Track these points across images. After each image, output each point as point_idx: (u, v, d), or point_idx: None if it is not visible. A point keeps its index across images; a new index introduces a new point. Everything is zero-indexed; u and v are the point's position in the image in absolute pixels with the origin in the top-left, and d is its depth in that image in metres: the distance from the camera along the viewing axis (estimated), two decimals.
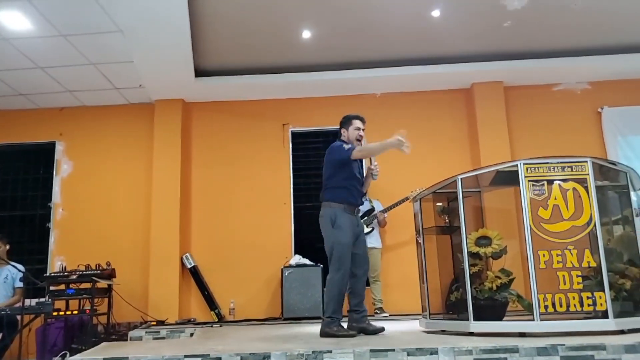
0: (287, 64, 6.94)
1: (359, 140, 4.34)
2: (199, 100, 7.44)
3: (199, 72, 6.89)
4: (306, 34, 6.35)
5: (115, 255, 6.54)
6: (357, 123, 4.40)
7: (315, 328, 4.78)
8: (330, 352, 2.72)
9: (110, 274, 6.13)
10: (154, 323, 6.24)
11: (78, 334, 5.84)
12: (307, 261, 6.57)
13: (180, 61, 6.35)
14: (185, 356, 2.76)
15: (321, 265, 6.41)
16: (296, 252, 6.87)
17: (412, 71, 6.93)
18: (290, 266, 6.49)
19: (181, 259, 6.84)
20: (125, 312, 6.40)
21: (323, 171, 4.34)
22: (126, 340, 5.21)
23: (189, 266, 6.84)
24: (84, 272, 5.90)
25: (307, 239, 6.98)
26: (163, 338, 5.16)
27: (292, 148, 7.36)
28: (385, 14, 6.03)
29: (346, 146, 4.24)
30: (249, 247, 6.95)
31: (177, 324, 6.28)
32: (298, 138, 7.40)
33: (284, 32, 6.29)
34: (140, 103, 7.43)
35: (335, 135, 6.63)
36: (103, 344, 4.24)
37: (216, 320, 6.57)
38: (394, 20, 6.15)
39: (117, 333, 5.98)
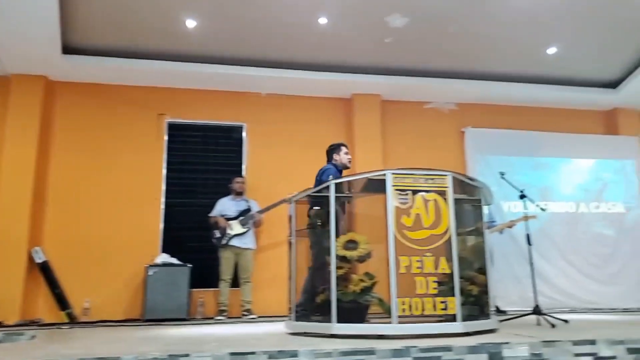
0: (167, 52, 6.64)
1: (350, 162, 5.19)
2: (66, 80, 6.84)
3: (68, 49, 6.34)
4: (190, 23, 6.13)
5: None
6: (344, 149, 5.18)
7: (178, 330, 4.60)
8: (188, 355, 2.59)
9: None
10: None
11: None
12: (174, 260, 6.31)
13: (44, 34, 5.78)
14: None
15: (189, 265, 6.20)
16: (164, 251, 6.56)
17: (298, 75, 7.02)
18: (156, 265, 6.18)
19: (29, 252, 6.20)
20: None
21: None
22: None
23: (39, 261, 6.22)
24: None
25: (178, 237, 6.72)
26: None
27: (168, 140, 7.04)
28: (274, 14, 6.03)
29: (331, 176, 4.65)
30: (111, 242, 6.51)
31: (15, 325, 5.62)
32: (175, 130, 7.09)
33: (167, 17, 6.03)
34: None
35: (215, 129, 6.48)
36: None
37: (66, 321, 6.03)
38: (282, 22, 6.18)
39: None
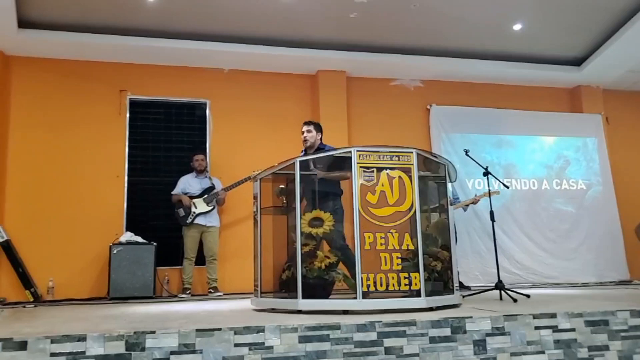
0: (128, 26, 6.44)
1: (303, 141, 5.02)
2: (23, 55, 6.60)
3: (24, 23, 6.10)
4: None
5: None
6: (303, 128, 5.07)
7: (144, 308, 4.57)
8: (154, 332, 2.59)
9: None
10: None
11: None
12: (139, 239, 6.22)
13: None
14: None
15: (154, 244, 6.14)
16: (128, 229, 6.46)
17: (261, 50, 6.91)
18: (120, 243, 6.09)
19: None
20: None
21: None
22: None
23: (0, 240, 6.07)
24: None
25: (141, 216, 6.62)
26: None
27: (130, 117, 6.87)
28: None
29: None
30: (73, 221, 6.38)
31: None
32: (137, 107, 6.92)
33: None
34: None
35: (178, 106, 6.32)
36: None
37: (31, 300, 5.93)
38: None
39: None
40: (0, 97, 6.34)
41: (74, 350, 2.44)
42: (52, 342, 2.45)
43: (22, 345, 2.41)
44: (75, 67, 6.75)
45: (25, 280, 6.07)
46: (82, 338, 2.48)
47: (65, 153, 6.57)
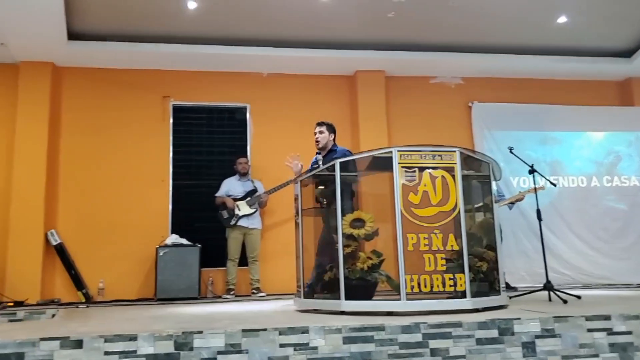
0: (170, 34, 6.59)
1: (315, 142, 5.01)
2: (72, 65, 6.85)
3: (73, 35, 6.33)
4: (192, 4, 6.08)
5: None
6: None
7: (190, 309, 4.67)
8: (201, 332, 2.64)
9: None
10: (11, 304, 5.71)
11: None
12: (184, 241, 6.36)
13: (50, 20, 5.77)
14: (42, 339, 2.51)
15: (199, 246, 6.26)
16: (173, 232, 6.60)
17: (299, 53, 6.93)
18: (166, 245, 6.24)
19: (45, 235, 6.30)
20: None
21: None
22: None
23: (54, 243, 6.33)
24: None
25: (186, 218, 6.77)
26: (20, 320, 4.75)
27: (173, 123, 7.03)
28: None
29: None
30: (122, 224, 6.58)
31: (37, 305, 5.78)
32: (180, 112, 7.08)
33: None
34: (2, 63, 6.66)
35: (219, 111, 6.40)
36: None
37: (83, 300, 6.15)
38: (284, 0, 6.09)
39: None
40: (52, 106, 6.61)
41: (126, 350, 2.53)
42: (106, 341, 2.54)
43: (79, 344, 2.52)
44: (120, 75, 6.97)
45: (78, 281, 6.32)
46: (133, 338, 2.56)
47: (113, 159, 6.79)
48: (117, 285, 6.39)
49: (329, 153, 4.89)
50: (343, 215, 3.56)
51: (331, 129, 5.00)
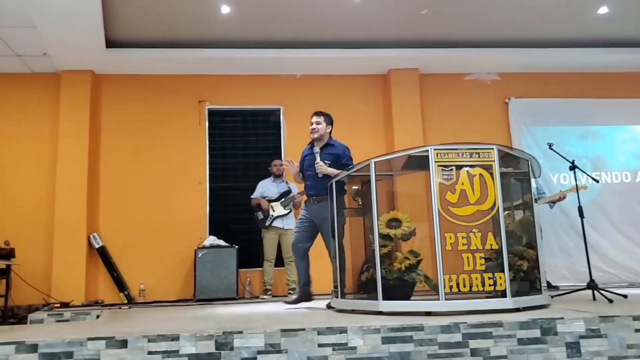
0: (204, 39, 6.69)
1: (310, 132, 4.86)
2: (110, 73, 7.04)
3: (110, 43, 6.49)
4: (225, 9, 6.15)
5: (15, 234, 6.16)
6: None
7: (228, 309, 4.73)
8: (241, 332, 2.68)
9: (8, 254, 5.75)
10: (58, 305, 5.92)
11: None
12: (221, 242, 6.46)
13: (89, 30, 5.94)
14: (89, 339, 2.60)
15: (236, 247, 6.35)
16: (211, 233, 6.72)
17: (332, 54, 6.93)
18: (204, 247, 6.35)
19: (88, 238, 6.50)
20: (25, 294, 6.08)
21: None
22: (26, 323, 4.89)
23: (97, 246, 6.52)
24: None
25: (223, 220, 6.87)
26: (67, 321, 4.92)
27: (209, 126, 7.15)
28: None
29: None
30: (160, 226, 6.73)
31: (82, 306, 5.97)
32: (215, 116, 7.19)
33: (202, 5, 6.06)
34: (45, 73, 6.90)
35: (253, 114, 6.41)
36: None
37: (125, 301, 6.32)
38: (315, 1, 6.10)
39: (15, 316, 5.66)
40: (92, 113, 6.81)
41: (169, 349, 2.59)
42: (149, 341, 2.61)
43: (123, 344, 2.59)
44: (157, 81, 7.13)
45: (119, 283, 6.50)
46: (175, 338, 2.62)
47: (152, 162, 6.94)
48: (157, 286, 6.54)
49: (327, 147, 4.76)
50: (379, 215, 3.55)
51: (329, 119, 4.86)
